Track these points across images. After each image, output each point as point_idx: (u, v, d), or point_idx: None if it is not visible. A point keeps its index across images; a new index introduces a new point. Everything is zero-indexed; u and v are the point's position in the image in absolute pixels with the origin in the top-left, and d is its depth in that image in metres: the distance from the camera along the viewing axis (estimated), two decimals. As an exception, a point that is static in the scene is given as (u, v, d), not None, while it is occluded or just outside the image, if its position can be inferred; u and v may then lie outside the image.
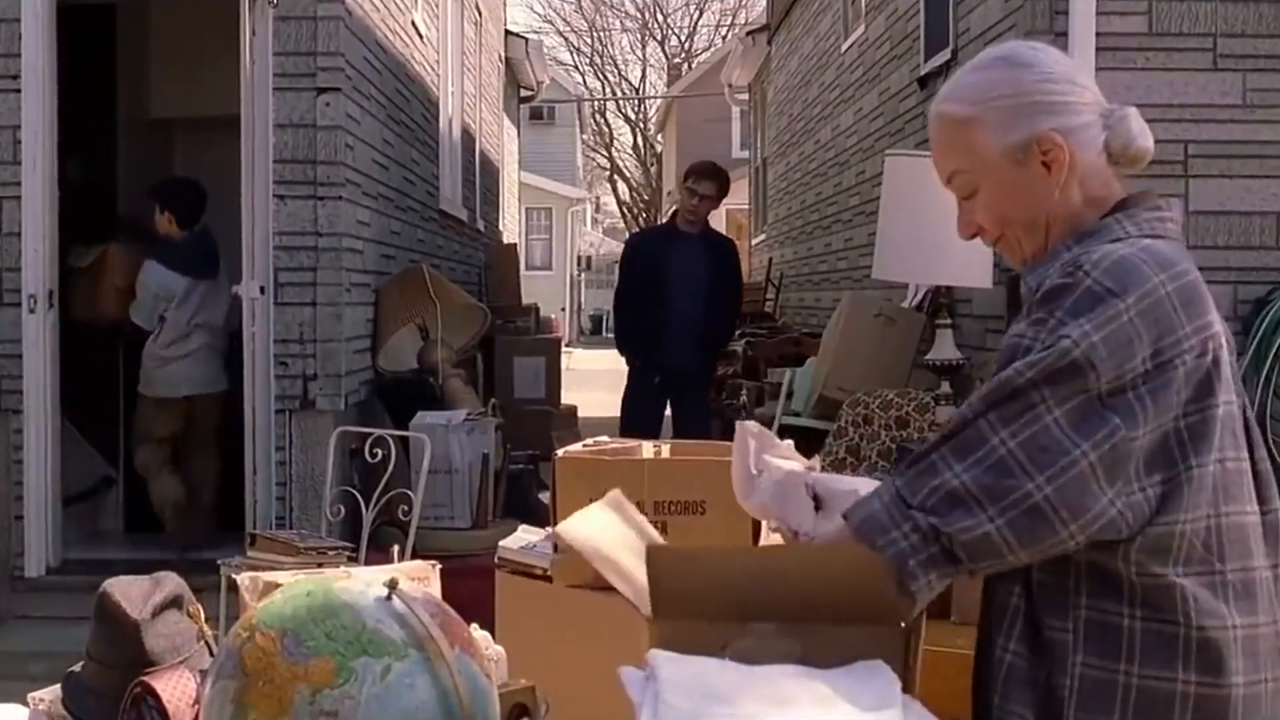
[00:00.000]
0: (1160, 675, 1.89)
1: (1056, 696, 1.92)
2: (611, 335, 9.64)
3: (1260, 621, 1.94)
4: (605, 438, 3.71)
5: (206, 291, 6.93)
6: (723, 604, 1.97)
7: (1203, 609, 1.90)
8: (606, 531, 2.26)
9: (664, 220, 9.74)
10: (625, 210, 41.14)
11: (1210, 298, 1.98)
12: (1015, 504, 1.84)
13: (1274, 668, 1.94)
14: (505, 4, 18.31)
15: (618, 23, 41.25)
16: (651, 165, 40.59)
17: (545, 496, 3.82)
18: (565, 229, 34.22)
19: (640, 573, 2.13)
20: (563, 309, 28.71)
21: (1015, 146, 2.04)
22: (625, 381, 8.15)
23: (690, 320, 7.86)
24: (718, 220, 19.17)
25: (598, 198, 44.37)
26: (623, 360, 8.28)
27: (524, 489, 7.63)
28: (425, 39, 10.17)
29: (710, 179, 8.00)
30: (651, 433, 5.80)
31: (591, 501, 3.06)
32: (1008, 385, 1.88)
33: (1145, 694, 1.89)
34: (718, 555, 2.18)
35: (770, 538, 3.09)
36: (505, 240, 16.48)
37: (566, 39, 40.76)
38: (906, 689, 1.92)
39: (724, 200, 8.17)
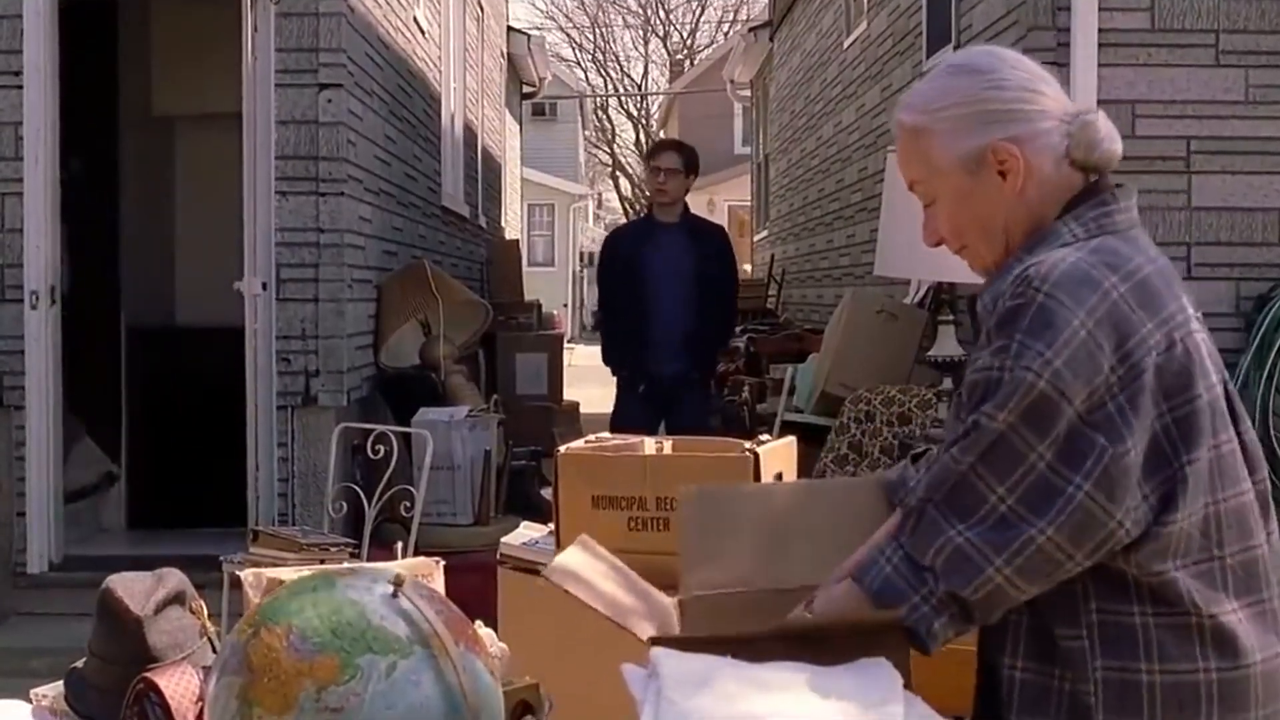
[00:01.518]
0: (1181, 669, 1.89)
1: (1081, 704, 1.91)
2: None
3: (1265, 597, 1.94)
4: (607, 434, 3.71)
5: None
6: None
7: (1206, 597, 1.90)
8: (587, 568, 2.25)
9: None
10: (627, 206, 41.11)
11: (1172, 285, 1.96)
12: (1020, 551, 1.84)
13: None
14: (507, 0, 18.29)
15: (620, 19, 41.32)
16: (653, 161, 40.48)
17: (547, 493, 3.81)
18: (567, 225, 34.21)
19: (627, 598, 2.15)
20: (565, 305, 28.73)
21: (968, 156, 2.03)
22: (614, 396, 7.40)
23: (676, 319, 7.01)
24: (718, 217, 19.12)
25: (600, 194, 44.33)
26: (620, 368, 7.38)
27: (526, 485, 7.64)
28: (427, 35, 10.17)
29: (671, 150, 7.27)
30: None
31: (593, 498, 3.07)
32: (989, 433, 1.86)
33: (1170, 689, 1.89)
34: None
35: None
36: (507, 236, 16.47)
37: (569, 35, 40.78)
38: (906, 685, 1.92)
39: (696, 176, 7.23)
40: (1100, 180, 2.04)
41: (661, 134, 35.59)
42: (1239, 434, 1.98)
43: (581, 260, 36.03)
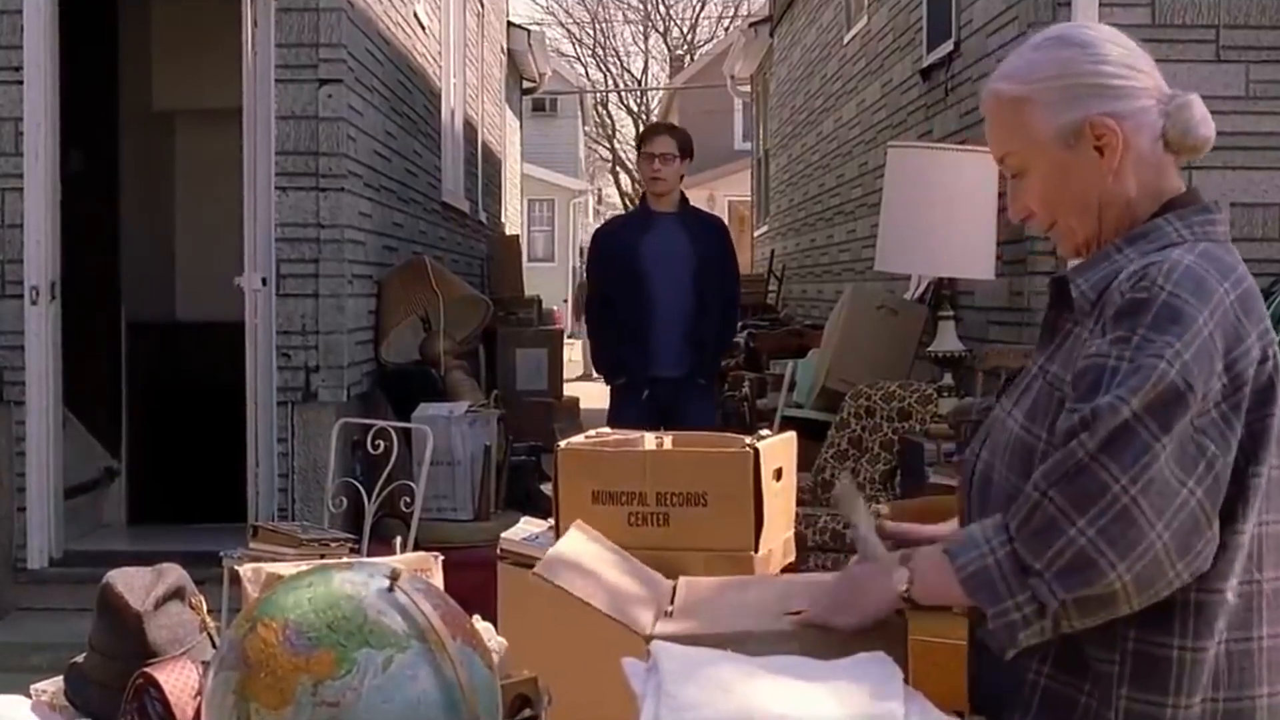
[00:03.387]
0: (1192, 702, 1.87)
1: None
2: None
3: None
4: (607, 429, 3.70)
5: None
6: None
7: (1233, 623, 1.88)
8: (586, 556, 2.23)
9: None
10: (628, 202, 41.09)
11: (1261, 299, 1.94)
12: (1142, 556, 1.77)
13: None
14: (507, -5, 18.28)
15: (620, 14, 41.23)
16: (654, 157, 40.46)
17: (547, 488, 3.81)
18: (567, 221, 34.18)
19: (627, 586, 2.14)
20: (565, 301, 28.69)
21: (1067, 129, 1.98)
22: (607, 406, 6.63)
23: (677, 317, 6.44)
24: (719, 212, 19.12)
25: (600, 190, 44.31)
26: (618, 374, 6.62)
27: (526, 480, 7.63)
28: (427, 30, 10.16)
29: (664, 134, 6.68)
30: None
31: (593, 493, 3.07)
32: (1114, 420, 1.79)
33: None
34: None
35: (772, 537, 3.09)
36: (507, 232, 16.46)
37: (569, 31, 40.74)
38: (904, 680, 1.92)
39: (691, 160, 6.64)
40: (1195, 189, 2.02)
41: (659, 127, 35.51)
42: None
43: (581, 256, 36.01)
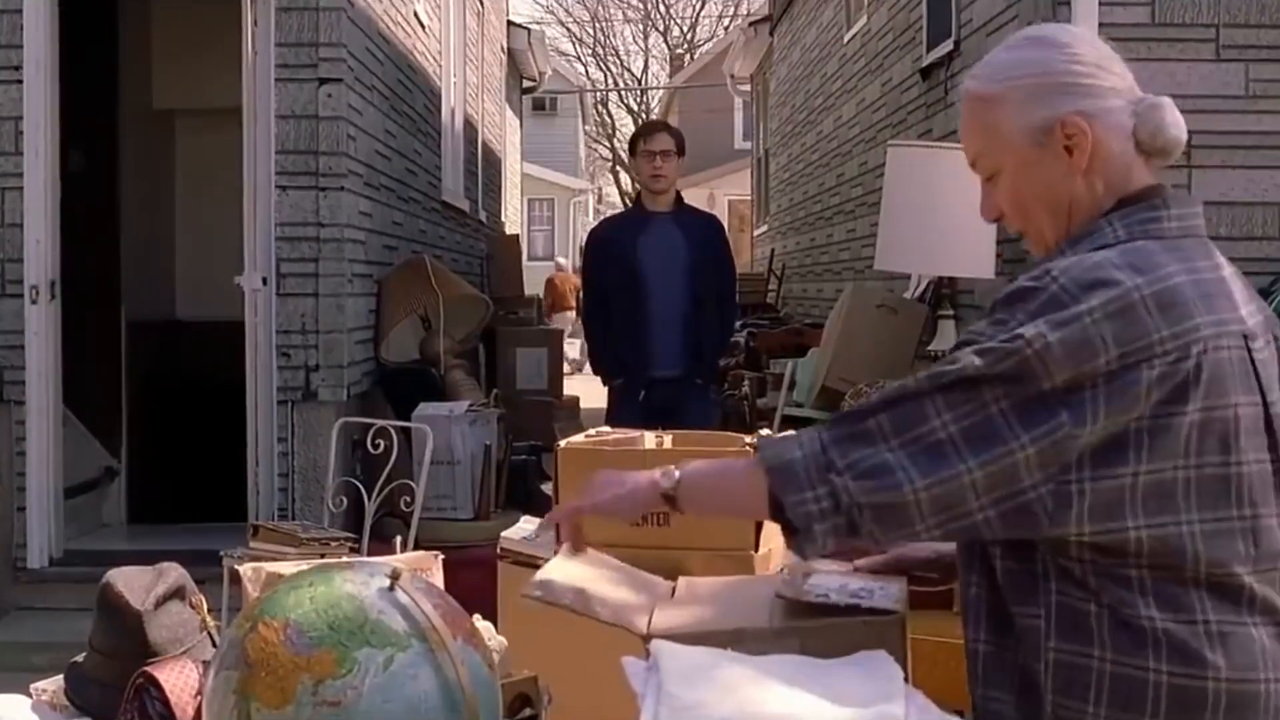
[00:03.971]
0: (1133, 662, 1.86)
1: (1031, 681, 1.91)
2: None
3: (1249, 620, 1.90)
4: (607, 428, 3.71)
5: None
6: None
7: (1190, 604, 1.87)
8: (577, 575, 2.22)
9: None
10: (627, 201, 41.08)
11: (1214, 298, 1.91)
12: (944, 482, 1.83)
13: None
14: (507, -6, 18.28)
15: (620, 13, 41.26)
16: (654, 156, 40.46)
17: (547, 487, 3.82)
18: (567, 220, 34.20)
19: (622, 595, 2.13)
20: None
21: (1037, 127, 1.99)
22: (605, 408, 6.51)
23: (674, 317, 6.39)
24: (719, 212, 19.12)
25: (600, 189, 44.31)
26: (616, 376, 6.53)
27: (526, 480, 7.63)
28: (427, 30, 10.16)
29: (663, 131, 6.64)
30: None
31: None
32: (959, 373, 1.85)
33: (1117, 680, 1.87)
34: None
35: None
36: (507, 231, 16.47)
37: (569, 30, 40.78)
38: (905, 679, 1.92)
39: (683, 158, 6.60)
40: (1158, 186, 2.01)
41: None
42: (1276, 459, 1.93)
43: (582, 255, 35.99)
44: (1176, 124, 2.01)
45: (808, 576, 2.18)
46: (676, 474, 2.03)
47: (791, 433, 1.99)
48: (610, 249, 6.61)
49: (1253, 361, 1.91)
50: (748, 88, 20.36)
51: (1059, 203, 2.00)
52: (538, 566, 3.22)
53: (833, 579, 2.17)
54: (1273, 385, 1.94)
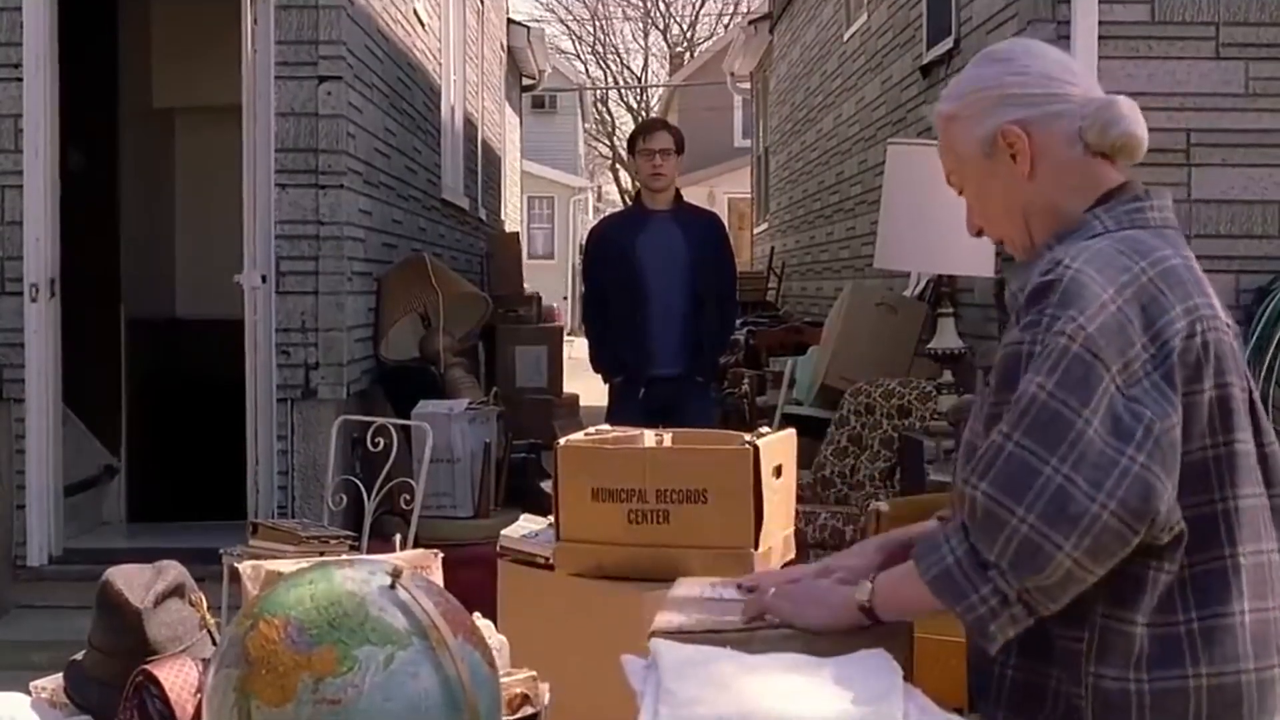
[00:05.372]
0: (1171, 674, 1.89)
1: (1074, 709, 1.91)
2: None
3: (1270, 605, 1.94)
4: (607, 426, 3.71)
5: None
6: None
7: (1208, 599, 1.90)
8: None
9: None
10: (627, 199, 41.07)
11: (1203, 282, 1.97)
12: (1087, 530, 1.78)
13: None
14: (507, -8, 18.27)
15: (620, 11, 41.24)
16: (653, 154, 40.45)
17: (547, 485, 3.82)
18: (567, 218, 34.18)
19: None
20: (565, 298, 28.69)
21: (985, 140, 2.07)
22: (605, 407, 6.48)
23: (674, 315, 6.39)
24: (718, 209, 19.09)
25: (600, 187, 44.30)
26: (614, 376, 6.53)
27: (526, 478, 7.64)
28: (427, 27, 10.16)
29: (663, 129, 6.63)
30: None
31: (592, 491, 3.07)
32: (1034, 405, 1.83)
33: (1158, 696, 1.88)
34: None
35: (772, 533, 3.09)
36: (507, 229, 16.47)
37: (568, 28, 40.76)
38: (905, 677, 1.92)
39: (683, 155, 6.58)
40: (1131, 182, 2.05)
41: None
42: (1261, 444, 1.97)
43: (581, 253, 35.98)
44: (1132, 120, 2.04)
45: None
46: (869, 587, 2.01)
47: (934, 527, 1.99)
48: (610, 247, 6.59)
49: (1232, 344, 1.97)
50: (747, 86, 20.35)
51: (1014, 210, 2.08)
52: (537, 565, 3.24)
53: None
54: (1245, 370, 1.99)
